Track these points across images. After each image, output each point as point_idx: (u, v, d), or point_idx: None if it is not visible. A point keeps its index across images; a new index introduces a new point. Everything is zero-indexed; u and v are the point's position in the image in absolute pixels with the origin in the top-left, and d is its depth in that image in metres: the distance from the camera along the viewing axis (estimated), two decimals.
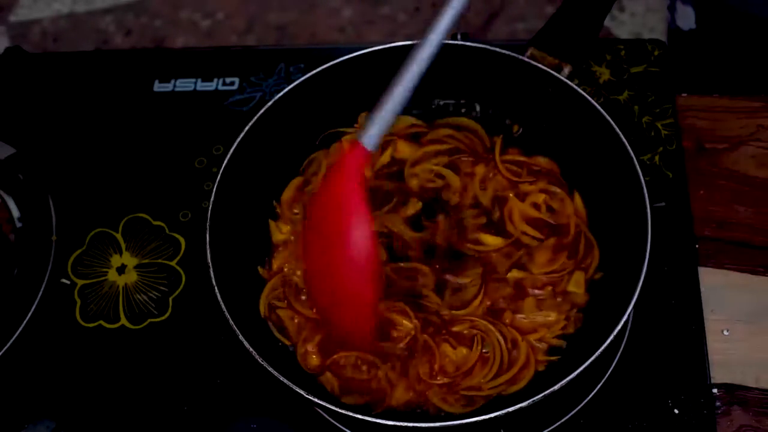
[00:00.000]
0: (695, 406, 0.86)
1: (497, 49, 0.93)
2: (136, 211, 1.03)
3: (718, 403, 0.87)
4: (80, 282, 0.99)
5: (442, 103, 1.01)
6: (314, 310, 0.88)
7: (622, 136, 0.87)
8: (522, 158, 0.96)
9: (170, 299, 0.97)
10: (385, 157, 0.97)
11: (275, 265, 0.93)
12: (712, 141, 1.03)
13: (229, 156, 0.90)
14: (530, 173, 0.95)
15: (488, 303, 0.88)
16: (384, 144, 0.97)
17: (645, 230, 0.81)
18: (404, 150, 0.97)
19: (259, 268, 0.92)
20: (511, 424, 0.86)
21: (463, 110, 1.01)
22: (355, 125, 1.00)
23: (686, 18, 1.21)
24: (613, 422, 0.86)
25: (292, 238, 0.94)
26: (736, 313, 0.92)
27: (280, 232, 0.94)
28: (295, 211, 0.95)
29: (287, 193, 0.97)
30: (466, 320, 0.87)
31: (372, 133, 0.72)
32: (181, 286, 0.98)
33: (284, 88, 0.94)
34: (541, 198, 0.93)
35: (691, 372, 0.88)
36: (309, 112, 0.96)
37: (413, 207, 0.94)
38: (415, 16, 2.18)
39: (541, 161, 0.96)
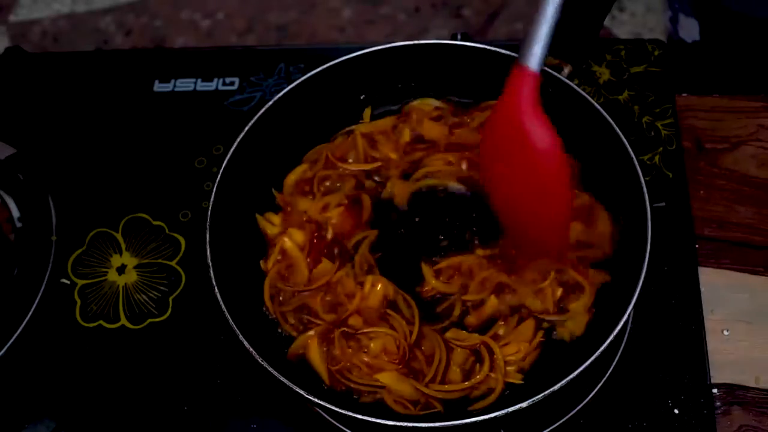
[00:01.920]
0: (695, 406, 0.86)
1: (497, 49, 0.94)
2: (136, 211, 1.03)
3: (718, 403, 0.87)
4: (80, 282, 0.99)
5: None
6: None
7: (622, 136, 0.87)
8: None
9: (170, 299, 0.97)
10: (405, 136, 0.96)
11: (270, 263, 0.92)
12: (712, 141, 1.03)
13: (229, 156, 0.90)
14: None
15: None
16: (402, 120, 0.97)
17: (645, 230, 0.81)
18: (433, 130, 0.96)
19: (261, 262, 0.92)
20: (511, 424, 0.86)
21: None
22: (360, 121, 1.00)
23: (690, 30, 1.20)
24: (613, 422, 0.86)
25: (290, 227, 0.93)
26: (736, 313, 0.92)
27: (272, 224, 0.94)
28: (297, 192, 0.95)
29: (292, 177, 0.96)
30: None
31: (535, 53, 0.69)
32: (181, 286, 0.98)
33: (284, 88, 0.94)
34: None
35: (691, 372, 0.88)
36: (309, 112, 0.96)
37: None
38: (415, 16, 2.18)
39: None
